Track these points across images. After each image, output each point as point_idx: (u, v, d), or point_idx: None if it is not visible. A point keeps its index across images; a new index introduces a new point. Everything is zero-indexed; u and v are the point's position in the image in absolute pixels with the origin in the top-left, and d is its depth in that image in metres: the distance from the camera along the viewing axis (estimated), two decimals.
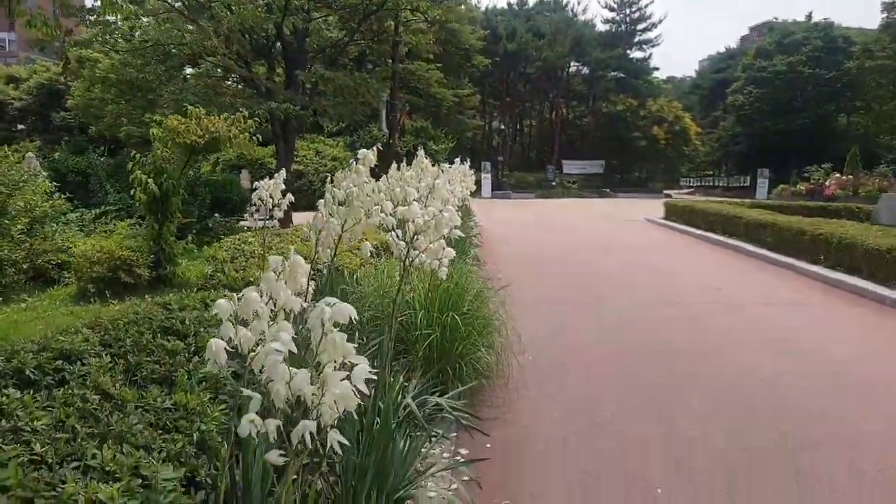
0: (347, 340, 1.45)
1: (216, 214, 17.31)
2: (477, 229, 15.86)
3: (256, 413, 1.35)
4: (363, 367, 1.37)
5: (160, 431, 2.28)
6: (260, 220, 6.38)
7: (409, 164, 11.70)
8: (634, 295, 8.76)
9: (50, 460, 1.96)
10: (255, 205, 5.58)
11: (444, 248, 3.46)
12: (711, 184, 58.96)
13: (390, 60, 16.73)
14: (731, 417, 4.48)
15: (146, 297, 7.73)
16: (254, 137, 9.36)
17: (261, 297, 1.67)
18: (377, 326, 4.14)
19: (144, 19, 16.73)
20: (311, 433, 1.27)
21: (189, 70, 18.37)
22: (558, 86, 55.39)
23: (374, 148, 3.57)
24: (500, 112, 55.14)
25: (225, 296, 2.05)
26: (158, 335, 3.29)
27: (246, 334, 1.64)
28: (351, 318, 1.50)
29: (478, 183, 44.43)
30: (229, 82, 16.09)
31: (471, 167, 13.91)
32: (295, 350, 1.53)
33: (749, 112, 48.67)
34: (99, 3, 14.97)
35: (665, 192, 50.24)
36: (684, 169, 61.44)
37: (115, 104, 18.87)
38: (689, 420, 4.40)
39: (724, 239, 13.58)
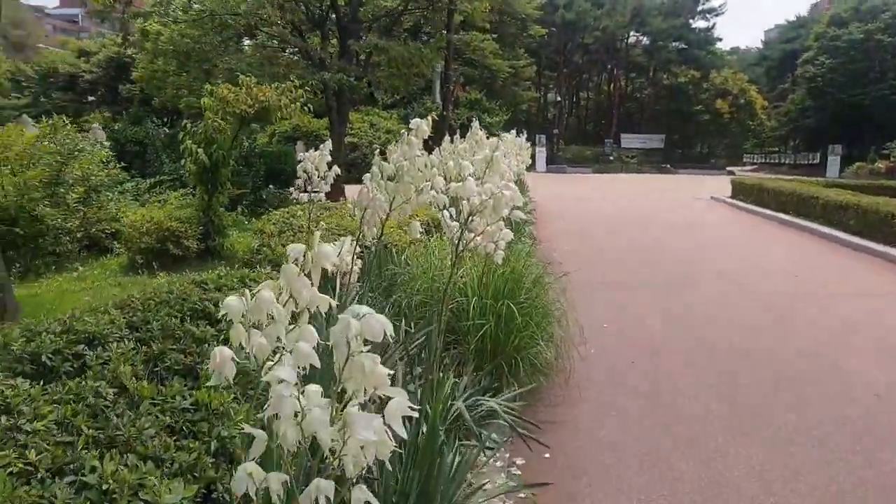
0: (394, 328, 1.09)
1: (270, 186, 17.30)
2: (532, 205, 15.37)
3: (258, 460, 1.02)
4: (401, 402, 1.02)
5: (175, 437, 2.00)
6: (310, 192, 6.02)
7: (462, 137, 11.31)
8: (706, 281, 8.17)
9: (43, 472, 1.70)
10: (300, 177, 5.29)
11: (501, 230, 3.08)
12: (777, 160, 56.46)
13: (444, 30, 16.15)
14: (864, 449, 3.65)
15: (193, 269, 7.63)
16: (305, 108, 9.08)
17: (279, 294, 1.34)
18: (426, 314, 3.80)
19: None
20: (327, 497, 0.94)
21: (247, 42, 18.29)
22: (617, 57, 53.61)
23: (428, 118, 3.19)
24: (557, 84, 53.83)
25: (248, 287, 1.73)
26: (188, 319, 3.03)
27: (260, 342, 1.31)
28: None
29: (532, 157, 43.64)
30: (285, 53, 15.88)
31: (526, 140, 13.44)
32: (318, 364, 1.19)
33: (821, 84, 46.04)
34: None
35: (728, 168, 48.34)
36: (748, 145, 58.90)
37: (175, 75, 18.98)
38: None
39: (798, 220, 12.72)
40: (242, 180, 14.10)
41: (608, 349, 5.39)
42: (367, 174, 3.36)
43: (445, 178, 3.20)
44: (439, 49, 15.13)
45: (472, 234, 2.93)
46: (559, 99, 50.21)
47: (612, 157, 46.89)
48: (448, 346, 3.68)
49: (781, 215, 13.64)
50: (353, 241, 4.45)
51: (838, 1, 56.45)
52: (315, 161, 5.19)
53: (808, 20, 60.64)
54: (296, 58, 15.33)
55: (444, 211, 2.83)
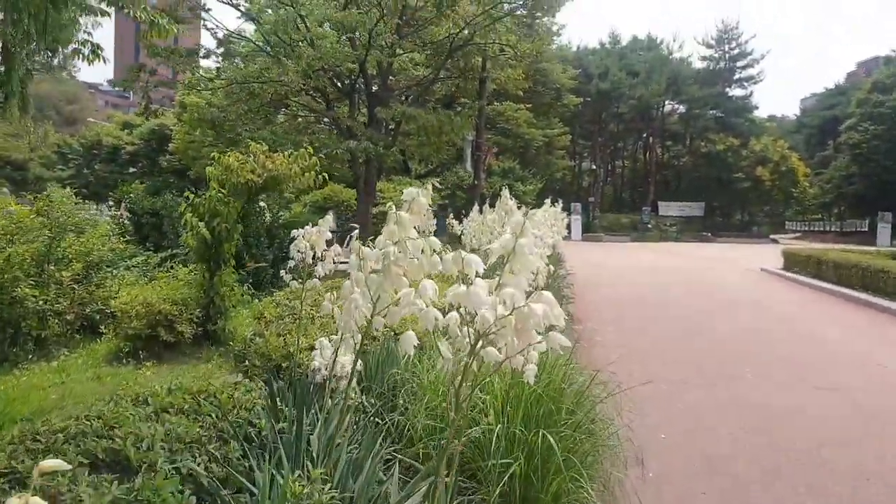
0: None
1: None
2: (569, 278, 14.38)
3: None
4: None
5: None
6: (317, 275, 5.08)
7: (492, 206, 10.45)
8: (779, 377, 6.98)
9: None
10: (293, 258, 4.45)
11: (531, 345, 2.16)
12: (822, 228, 54.58)
13: (476, 98, 15.71)
14: None
15: (184, 358, 6.82)
16: (321, 176, 8.40)
17: None
18: (435, 443, 2.85)
19: (237, 60, 16.65)
20: None
21: (282, 113, 18.19)
22: (652, 125, 53.26)
23: (428, 186, 2.34)
24: (592, 152, 53.51)
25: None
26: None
27: None
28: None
29: (568, 226, 42.85)
30: (317, 124, 15.56)
31: (561, 209, 12.62)
32: None
33: (866, 150, 44.71)
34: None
35: (772, 237, 46.77)
36: (790, 212, 57.25)
37: (210, 146, 18.91)
38: None
39: (866, 297, 11.44)
40: (262, 253, 13.48)
41: (672, 472, 4.31)
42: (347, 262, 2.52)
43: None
44: (470, 117, 14.64)
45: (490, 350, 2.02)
46: (594, 167, 49.69)
47: (650, 226, 45.80)
48: (462, 492, 2.70)
49: (844, 290, 12.38)
50: (351, 336, 3.57)
51: (877, 69, 55.71)
52: (312, 238, 4.36)
53: (847, 87, 59.78)
54: (324, 127, 14.95)
55: (442, 341, 1.93)
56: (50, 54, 8.16)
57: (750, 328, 9.36)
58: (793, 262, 16.14)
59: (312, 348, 3.97)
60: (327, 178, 9.53)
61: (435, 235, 8.39)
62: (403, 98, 15.29)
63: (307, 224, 14.05)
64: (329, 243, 4.44)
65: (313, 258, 4.37)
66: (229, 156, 7.53)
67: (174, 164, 41.19)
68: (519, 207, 12.30)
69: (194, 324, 7.02)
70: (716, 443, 4.88)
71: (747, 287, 14.48)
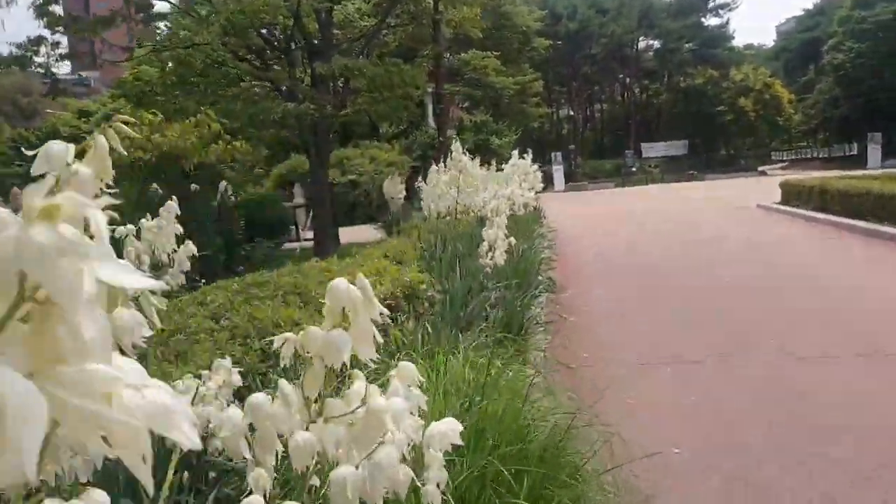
0: None
1: (258, 239, 15.22)
2: (550, 235, 13.00)
3: None
4: None
5: None
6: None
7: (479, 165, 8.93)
8: (807, 341, 5.63)
9: None
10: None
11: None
12: (809, 155, 53.40)
13: (432, 44, 14.04)
14: None
15: None
16: (229, 145, 6.91)
17: None
18: None
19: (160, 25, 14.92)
20: None
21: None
22: (628, 64, 51.40)
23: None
24: (568, 98, 51.72)
25: None
26: None
27: None
28: None
29: (549, 177, 41.46)
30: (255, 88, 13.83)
31: (537, 160, 11.19)
32: None
33: (850, 70, 43.21)
34: None
35: (760, 169, 45.51)
36: (774, 142, 55.98)
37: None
38: None
39: (888, 228, 10.06)
40: (210, 239, 11.97)
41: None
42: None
43: None
44: (423, 65, 13.00)
45: None
46: (572, 113, 47.95)
47: (634, 169, 44.38)
48: None
49: (855, 222, 11.08)
50: None
51: None
52: (154, 235, 2.90)
53: (826, 6, 57.93)
54: (262, 91, 13.26)
55: None
56: None
57: (770, 286, 8.01)
58: (791, 194, 14.81)
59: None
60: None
61: (408, 201, 6.64)
62: (350, 51, 13.57)
63: (266, 202, 12.52)
64: (185, 238, 3.04)
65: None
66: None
67: None
68: (489, 163, 10.80)
69: None
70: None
71: (745, 224, 13.17)
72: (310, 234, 16.02)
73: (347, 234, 16.09)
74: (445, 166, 8.62)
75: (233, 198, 19.04)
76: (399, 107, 15.18)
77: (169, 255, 2.72)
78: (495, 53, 31.51)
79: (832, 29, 46.14)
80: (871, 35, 42.03)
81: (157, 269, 2.88)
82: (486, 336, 4.35)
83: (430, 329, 4.03)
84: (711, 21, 49.83)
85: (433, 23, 14.33)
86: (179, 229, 2.75)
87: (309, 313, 4.02)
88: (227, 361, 2.33)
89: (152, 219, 2.82)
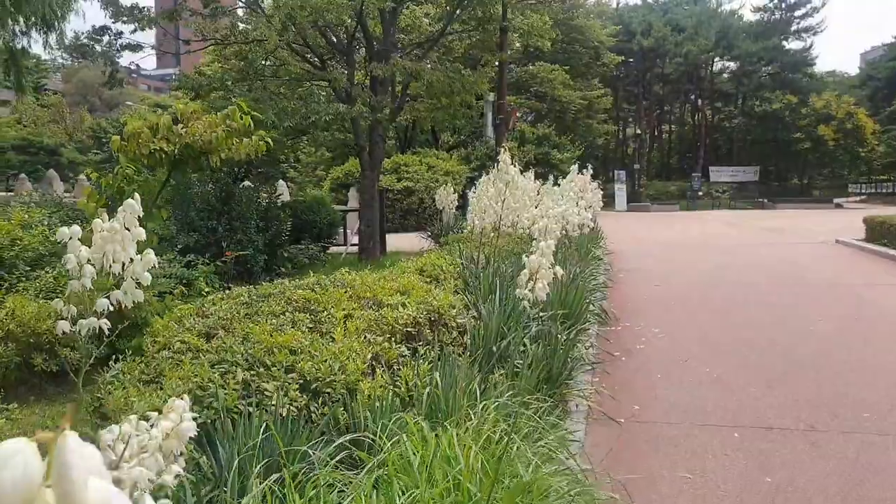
0: None
1: (304, 241, 14.92)
2: (607, 258, 12.20)
3: None
4: None
5: None
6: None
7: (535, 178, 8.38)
8: None
9: None
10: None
11: None
12: (890, 190, 50.39)
13: (497, 51, 13.45)
14: None
15: (60, 400, 5.08)
16: (264, 141, 6.48)
17: None
18: None
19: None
20: None
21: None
22: (701, 86, 49.60)
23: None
24: (636, 117, 50.28)
25: None
26: None
27: None
28: None
29: (611, 196, 40.21)
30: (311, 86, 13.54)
31: (599, 177, 10.53)
32: None
33: None
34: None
35: (836, 201, 43.14)
36: (852, 174, 53.07)
37: None
38: None
39: None
40: (251, 239, 11.67)
41: None
42: None
43: None
44: (486, 72, 12.42)
45: None
46: (639, 132, 46.54)
47: (701, 193, 42.67)
48: None
49: None
50: None
51: None
52: (103, 238, 2.37)
53: None
54: (318, 91, 12.94)
55: None
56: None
57: (864, 338, 7.10)
58: (878, 231, 13.55)
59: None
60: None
61: (460, 210, 6.04)
62: (413, 57, 13.12)
63: (315, 204, 12.16)
64: (143, 247, 2.49)
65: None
66: (132, 120, 5.64)
67: None
68: (546, 177, 10.12)
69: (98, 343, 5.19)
70: None
71: (833, 264, 12.04)
72: (357, 239, 15.63)
73: (396, 241, 15.66)
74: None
75: (281, 198, 18.91)
76: (458, 115, 14.67)
77: (123, 265, 2.19)
78: (564, 68, 30.78)
79: None
80: None
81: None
82: (518, 383, 3.72)
83: (446, 374, 3.42)
84: (793, 44, 47.65)
85: (500, 30, 13.75)
86: (141, 234, 2.23)
87: (311, 339, 3.48)
88: (183, 403, 1.78)
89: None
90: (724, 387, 5.12)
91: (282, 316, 3.97)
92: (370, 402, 3.07)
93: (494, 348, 4.44)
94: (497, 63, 13.65)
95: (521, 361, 4.35)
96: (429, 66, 11.51)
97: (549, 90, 29.48)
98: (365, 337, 3.76)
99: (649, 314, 7.95)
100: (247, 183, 12.92)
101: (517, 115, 15.58)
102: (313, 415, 2.96)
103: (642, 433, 4.22)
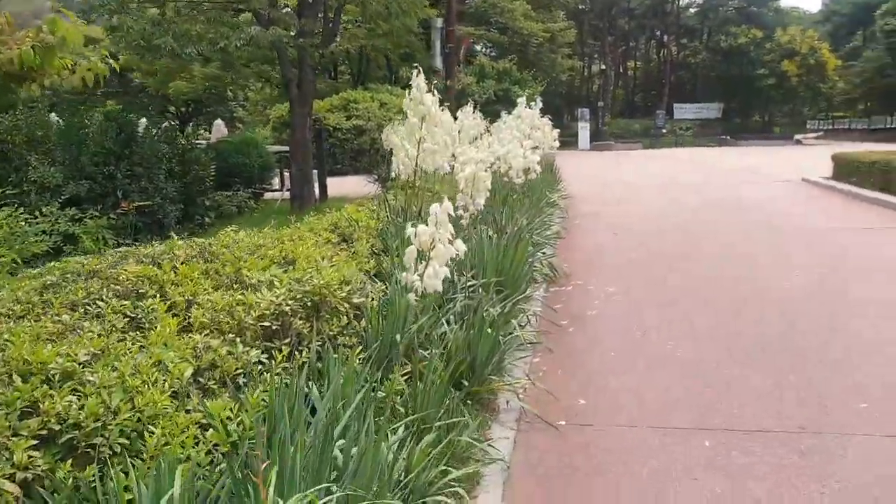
0: None
1: (235, 188, 13.50)
2: (563, 203, 11.17)
3: None
4: None
5: None
6: None
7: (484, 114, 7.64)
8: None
9: None
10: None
11: None
12: (847, 126, 50.23)
13: None
14: None
15: None
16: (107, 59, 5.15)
17: None
18: None
19: None
20: None
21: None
22: (666, 21, 48.11)
23: None
24: (601, 54, 48.64)
25: None
26: None
27: None
28: None
29: (574, 134, 39.09)
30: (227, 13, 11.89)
31: (563, 114, 9.37)
32: None
33: None
34: None
35: (796, 137, 42.76)
36: (811, 111, 52.74)
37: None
38: None
39: None
40: (158, 187, 10.26)
41: None
42: None
43: None
44: None
45: None
46: (604, 68, 45.09)
47: (664, 130, 41.85)
48: None
49: None
50: None
51: None
52: None
53: None
54: (236, 18, 11.32)
55: None
56: None
57: (842, 291, 6.21)
58: (845, 169, 12.76)
59: None
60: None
61: None
62: None
63: (244, 145, 10.67)
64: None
65: None
66: None
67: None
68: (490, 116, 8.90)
69: None
70: None
71: (800, 204, 11.19)
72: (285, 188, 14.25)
73: (343, 186, 14.37)
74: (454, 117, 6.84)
75: (202, 140, 17.28)
76: (402, 42, 13.23)
77: None
78: None
79: None
80: None
81: None
82: (423, 388, 2.68)
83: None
84: None
85: None
86: None
87: (105, 348, 2.35)
88: None
89: None
90: (689, 369, 4.16)
91: (87, 307, 2.80)
92: (155, 461, 1.97)
93: (399, 337, 3.36)
94: None
95: (431, 351, 3.29)
96: None
97: (509, 21, 27.77)
98: (199, 337, 2.64)
99: (605, 270, 6.96)
100: (143, 120, 11.38)
101: (469, 43, 14.16)
102: (56, 490, 1.86)
103: (585, 443, 3.24)
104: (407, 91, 4.44)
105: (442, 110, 4.40)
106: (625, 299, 5.79)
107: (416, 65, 3.96)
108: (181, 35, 9.22)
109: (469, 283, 4.43)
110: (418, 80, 4.09)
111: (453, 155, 6.18)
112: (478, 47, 31.51)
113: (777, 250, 7.55)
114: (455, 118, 7.87)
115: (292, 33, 10.07)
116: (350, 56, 33.54)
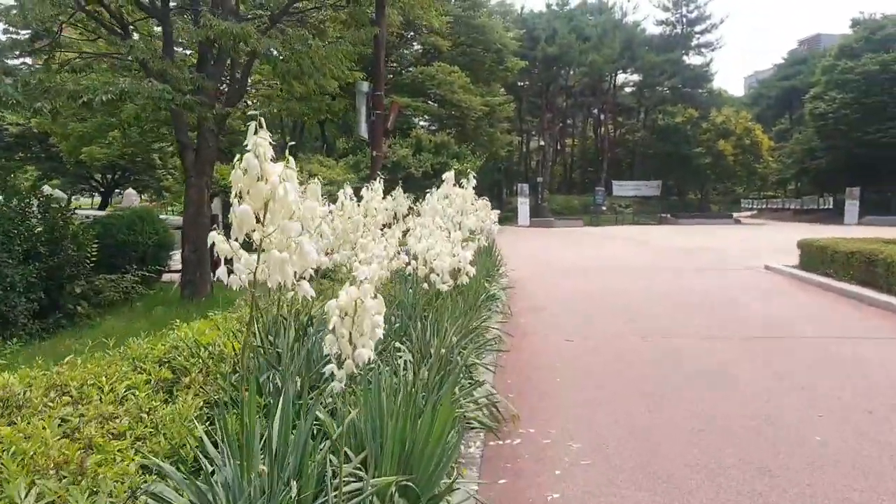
0: None
1: (126, 269, 11.27)
2: (506, 294, 9.44)
3: None
4: None
5: None
6: None
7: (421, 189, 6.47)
8: None
9: None
10: None
11: None
12: (781, 206, 51.33)
13: (370, 25, 10.42)
14: None
15: None
16: None
17: None
18: None
19: None
20: None
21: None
22: (603, 99, 48.77)
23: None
24: (539, 129, 48.66)
25: None
26: None
27: None
28: None
29: (513, 210, 38.15)
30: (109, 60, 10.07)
31: (504, 190, 7.75)
32: None
33: (832, 121, 41.01)
34: None
35: (734, 216, 43.12)
36: (746, 189, 53.92)
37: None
38: None
39: None
40: (2, 273, 8.10)
41: None
42: None
43: None
44: (349, 48, 9.34)
45: None
46: (542, 144, 44.93)
47: (604, 207, 41.43)
48: None
49: None
50: None
51: (833, 39, 52.33)
52: None
53: (807, 56, 56.54)
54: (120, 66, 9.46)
55: None
56: None
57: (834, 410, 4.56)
58: (818, 259, 11.54)
59: None
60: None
61: None
62: (259, 25, 9.85)
63: (138, 219, 8.11)
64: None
65: None
66: None
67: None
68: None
69: None
70: None
71: (785, 312, 9.73)
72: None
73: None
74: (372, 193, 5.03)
75: (82, 211, 15.05)
76: (322, 108, 11.55)
77: None
78: (465, 72, 28.32)
79: (815, 78, 44.21)
80: (855, 87, 40.06)
81: None
82: None
83: None
84: (694, 59, 47.67)
85: (377, 4, 10.80)
86: None
87: None
88: None
89: None
90: None
91: None
92: None
93: None
94: (374, 42, 10.61)
95: None
96: (257, 33, 8.29)
97: (448, 93, 26.81)
98: None
99: (562, 404, 5.14)
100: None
101: (399, 109, 12.66)
102: None
103: None
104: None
105: (303, 192, 2.58)
106: (596, 463, 3.95)
107: (256, 116, 2.15)
108: (27, 83, 7.26)
109: (351, 487, 2.53)
110: (256, 141, 2.27)
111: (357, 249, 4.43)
112: (416, 119, 30.43)
113: (787, 379, 5.88)
114: (384, 196, 6.09)
115: (185, 90, 8.22)
116: (282, 123, 31.96)
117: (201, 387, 3.46)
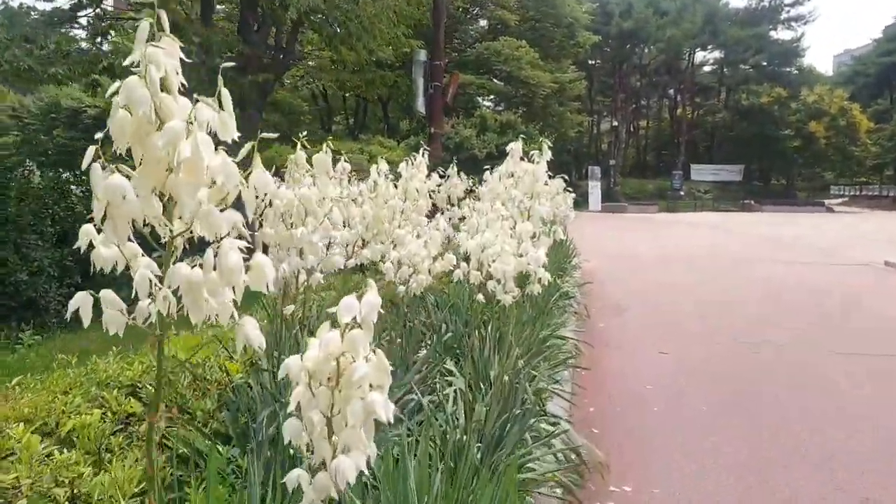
0: None
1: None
2: (581, 291, 8.13)
3: None
4: None
5: None
6: None
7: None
8: None
9: None
10: None
11: None
12: (877, 192, 47.47)
13: None
14: None
15: None
16: None
17: None
18: None
19: None
20: None
21: None
22: (681, 78, 45.94)
23: None
24: (611, 110, 46.37)
25: None
26: None
27: None
28: None
29: (584, 195, 36.27)
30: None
31: (573, 172, 6.54)
32: None
33: None
34: None
35: (826, 203, 39.97)
36: (840, 175, 49.92)
37: None
38: None
39: None
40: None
41: None
42: None
43: None
44: (404, 9, 8.18)
45: None
46: (615, 125, 42.70)
47: (681, 192, 39.04)
48: None
49: None
50: None
51: None
52: None
53: None
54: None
55: None
56: None
57: None
58: None
59: None
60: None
61: None
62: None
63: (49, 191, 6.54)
64: None
65: None
66: None
67: None
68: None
69: None
70: None
71: None
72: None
73: None
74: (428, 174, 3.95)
75: None
76: (376, 80, 10.44)
77: None
78: (534, 48, 26.78)
79: None
80: None
81: None
82: None
83: None
84: (782, 34, 44.19)
85: None
86: None
87: None
88: None
89: None
90: None
91: None
92: None
93: None
94: (433, 4, 9.41)
95: None
96: None
97: (514, 69, 25.32)
98: None
99: (662, 447, 3.86)
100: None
101: (458, 83, 11.43)
102: None
103: None
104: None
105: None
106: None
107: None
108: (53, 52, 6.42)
109: None
110: (148, 54, 1.10)
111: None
112: (479, 98, 29.04)
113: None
114: (439, 175, 4.96)
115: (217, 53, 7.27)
116: (345, 104, 31.22)
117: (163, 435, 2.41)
